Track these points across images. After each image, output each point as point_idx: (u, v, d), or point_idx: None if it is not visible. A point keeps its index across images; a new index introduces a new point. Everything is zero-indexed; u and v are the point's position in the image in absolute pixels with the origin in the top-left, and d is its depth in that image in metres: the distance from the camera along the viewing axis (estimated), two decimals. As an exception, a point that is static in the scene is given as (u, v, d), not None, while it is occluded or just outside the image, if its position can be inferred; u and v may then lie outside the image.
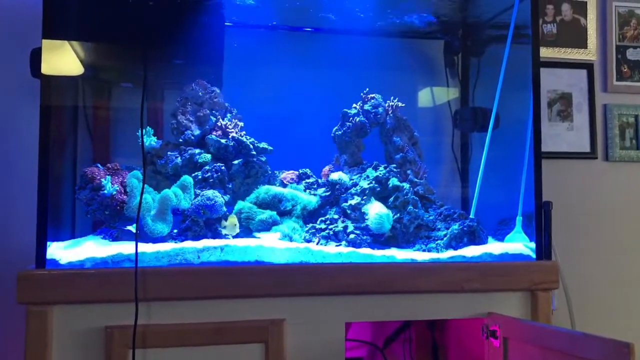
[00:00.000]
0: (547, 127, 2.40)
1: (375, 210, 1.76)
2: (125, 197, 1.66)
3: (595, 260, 2.44)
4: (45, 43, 1.55)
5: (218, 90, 1.96)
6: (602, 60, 2.50)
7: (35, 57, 1.59)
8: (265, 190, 1.83)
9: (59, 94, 1.81)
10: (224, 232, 1.70)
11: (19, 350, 1.47)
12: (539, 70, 1.82)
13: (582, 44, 2.48)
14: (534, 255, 1.77)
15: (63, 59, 1.79)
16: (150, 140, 1.86)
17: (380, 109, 2.02)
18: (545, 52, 2.40)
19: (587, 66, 2.48)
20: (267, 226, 1.77)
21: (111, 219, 1.70)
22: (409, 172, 1.95)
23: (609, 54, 2.50)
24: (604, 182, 2.47)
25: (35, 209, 1.49)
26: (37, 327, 1.44)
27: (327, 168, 2.04)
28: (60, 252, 1.56)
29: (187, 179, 1.75)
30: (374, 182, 1.86)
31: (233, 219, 1.72)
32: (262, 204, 1.81)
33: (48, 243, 1.51)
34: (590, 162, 2.47)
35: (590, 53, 2.48)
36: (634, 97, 2.51)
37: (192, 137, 1.88)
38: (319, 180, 1.98)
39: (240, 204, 1.80)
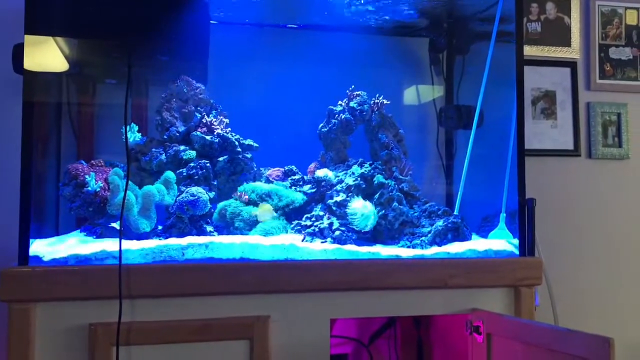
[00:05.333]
0: (531, 125, 2.42)
1: (360, 207, 1.77)
2: (108, 193, 1.65)
3: (578, 257, 2.47)
4: (28, 38, 1.54)
5: (203, 87, 1.95)
6: (585, 58, 2.53)
7: (18, 52, 1.58)
8: (250, 188, 1.83)
9: (42, 90, 1.80)
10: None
11: (1, 348, 1.46)
12: (523, 69, 1.83)
13: (566, 42, 2.50)
14: (517, 252, 1.78)
15: (46, 55, 1.77)
16: (135, 137, 1.85)
17: (366, 106, 2.02)
18: (530, 50, 2.42)
19: (571, 64, 2.50)
20: (252, 223, 1.77)
21: (95, 216, 1.69)
22: (394, 169, 1.96)
23: (592, 52, 2.52)
24: (587, 180, 2.49)
25: (18, 205, 1.47)
26: (19, 325, 1.42)
27: (312, 165, 2.04)
28: (44, 249, 1.55)
29: (170, 174, 1.74)
30: (359, 179, 1.87)
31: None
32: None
33: (31, 240, 1.50)
34: (573, 160, 2.49)
35: (573, 51, 2.50)
36: (616, 96, 2.54)
37: (177, 134, 1.87)
38: (305, 177, 1.98)
39: (225, 201, 1.80)
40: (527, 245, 1.78)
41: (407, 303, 1.67)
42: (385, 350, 2.18)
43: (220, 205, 1.79)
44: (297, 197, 1.86)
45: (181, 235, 1.67)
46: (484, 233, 1.96)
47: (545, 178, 2.43)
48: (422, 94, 2.41)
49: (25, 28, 1.52)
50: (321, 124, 2.04)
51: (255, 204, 1.80)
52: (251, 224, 1.76)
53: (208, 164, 1.82)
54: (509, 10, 1.88)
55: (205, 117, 1.90)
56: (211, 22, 2.05)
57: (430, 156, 2.34)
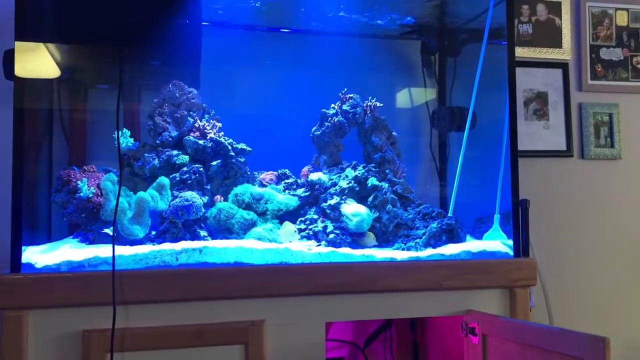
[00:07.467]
0: (524, 126, 2.43)
1: (353, 210, 1.77)
2: (101, 199, 1.64)
3: (572, 257, 2.47)
4: (18, 45, 1.53)
5: (195, 91, 1.95)
6: (576, 59, 2.54)
7: (8, 58, 1.57)
8: (242, 190, 1.82)
9: (34, 96, 1.79)
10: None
11: (-6, 356, 1.45)
12: (515, 70, 1.84)
13: (557, 43, 2.51)
14: (511, 253, 1.78)
15: (37, 61, 1.76)
16: (127, 142, 1.84)
17: (359, 109, 2.02)
18: (521, 52, 2.43)
19: (562, 65, 2.51)
20: (246, 226, 1.76)
21: (88, 222, 1.67)
22: (387, 171, 1.96)
23: (583, 53, 2.53)
24: (580, 180, 2.50)
25: (10, 212, 1.46)
26: (12, 333, 1.41)
27: (306, 168, 2.04)
28: (36, 256, 1.54)
29: (164, 179, 1.73)
30: (353, 181, 1.86)
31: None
32: (241, 204, 1.81)
33: (23, 247, 1.49)
34: (566, 160, 2.50)
35: (565, 53, 2.51)
36: (608, 96, 2.55)
37: (170, 139, 1.86)
38: (299, 181, 1.97)
39: (219, 204, 1.79)
40: (521, 246, 1.78)
41: (403, 305, 1.67)
42: (381, 353, 2.17)
43: (214, 208, 1.79)
44: (291, 202, 1.86)
45: (175, 240, 1.66)
46: (478, 234, 1.96)
47: (539, 179, 2.44)
48: (414, 96, 2.41)
49: (15, 34, 1.52)
50: (314, 127, 2.04)
51: (250, 207, 1.80)
52: (246, 228, 1.76)
53: (201, 169, 1.82)
54: (501, 12, 1.89)
55: (198, 121, 1.89)
56: (203, 24, 2.05)
57: (423, 158, 2.34)
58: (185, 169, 1.80)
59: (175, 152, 1.83)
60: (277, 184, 1.96)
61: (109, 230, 1.69)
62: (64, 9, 1.71)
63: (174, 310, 1.51)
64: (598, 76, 2.54)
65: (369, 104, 2.04)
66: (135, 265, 1.54)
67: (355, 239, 1.78)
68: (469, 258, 1.74)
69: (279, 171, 2.00)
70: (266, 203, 1.80)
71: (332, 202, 1.82)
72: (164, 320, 1.50)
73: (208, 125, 1.89)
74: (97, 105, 2.08)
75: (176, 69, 1.96)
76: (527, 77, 2.47)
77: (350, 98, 2.04)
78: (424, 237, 1.79)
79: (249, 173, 1.93)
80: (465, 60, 2.29)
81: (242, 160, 1.91)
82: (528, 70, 2.47)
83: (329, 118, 2.01)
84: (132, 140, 1.86)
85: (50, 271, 1.48)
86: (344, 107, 2.03)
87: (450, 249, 1.76)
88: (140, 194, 1.67)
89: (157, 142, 1.86)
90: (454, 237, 1.81)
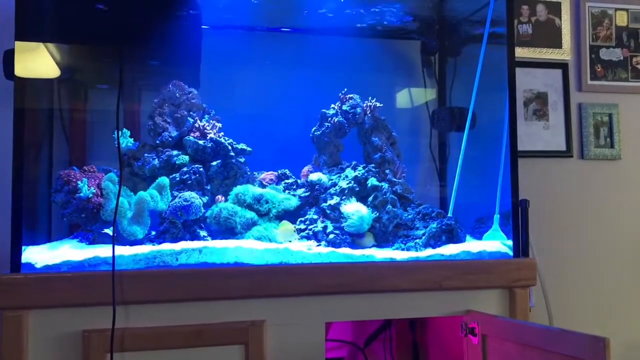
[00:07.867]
0: (524, 126, 2.43)
1: (354, 209, 1.77)
2: (101, 199, 1.64)
3: (572, 257, 2.47)
4: (18, 45, 1.53)
5: (195, 91, 1.95)
6: (576, 60, 2.54)
7: (9, 58, 1.57)
8: (243, 190, 1.82)
9: (34, 96, 1.79)
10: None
11: (-6, 356, 1.45)
12: (514, 71, 1.84)
13: (557, 44, 2.51)
14: (511, 253, 1.78)
15: (37, 61, 1.76)
16: (127, 142, 1.84)
17: (359, 109, 2.02)
18: (521, 52, 2.43)
19: (562, 66, 2.51)
20: (248, 225, 1.76)
21: (87, 222, 1.67)
22: (387, 171, 1.96)
23: (583, 53, 2.53)
24: (580, 180, 2.50)
25: (10, 212, 1.46)
26: (12, 333, 1.42)
27: (306, 168, 2.04)
28: (36, 256, 1.54)
29: (164, 179, 1.73)
30: (353, 182, 1.86)
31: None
32: (242, 204, 1.81)
33: (24, 247, 1.49)
34: (566, 161, 2.50)
35: (564, 53, 2.52)
36: (607, 96, 2.55)
37: (170, 139, 1.86)
38: (298, 181, 1.97)
39: (220, 204, 1.79)
40: (521, 246, 1.78)
41: (402, 306, 1.67)
42: (381, 353, 2.17)
43: (215, 208, 1.79)
44: (291, 201, 1.86)
45: (175, 240, 1.66)
46: (478, 235, 1.96)
47: (538, 179, 2.44)
48: (414, 96, 2.41)
49: (15, 34, 1.52)
50: (314, 128, 2.04)
51: (251, 207, 1.80)
52: (247, 227, 1.76)
53: (201, 169, 1.82)
54: (500, 12, 1.89)
55: (198, 121, 1.89)
56: (203, 27, 2.04)
57: (423, 158, 2.34)
58: (185, 169, 1.80)
59: (175, 152, 1.84)
60: (277, 184, 1.95)
61: (108, 230, 1.69)
62: (64, 8, 1.71)
63: (173, 310, 1.51)
64: (598, 76, 2.55)
65: (368, 104, 2.04)
66: (135, 266, 1.54)
67: (353, 239, 1.78)
68: (469, 258, 1.74)
69: (279, 171, 2.00)
70: (267, 203, 1.80)
71: (332, 202, 1.82)
72: (163, 321, 1.51)
73: (208, 126, 1.89)
74: (97, 105, 2.08)
75: (176, 69, 1.96)
76: (527, 78, 2.47)
77: (350, 98, 2.04)
78: (423, 237, 1.79)
79: (249, 173, 1.93)
80: (465, 60, 2.29)
81: (242, 160, 1.91)
82: (528, 70, 2.47)
83: (329, 118, 2.01)
84: (132, 140, 1.86)
85: (50, 271, 1.49)
86: (344, 107, 2.03)
87: (450, 249, 1.76)
88: (141, 194, 1.67)
89: (157, 142, 1.86)
90: (453, 237, 1.81)
